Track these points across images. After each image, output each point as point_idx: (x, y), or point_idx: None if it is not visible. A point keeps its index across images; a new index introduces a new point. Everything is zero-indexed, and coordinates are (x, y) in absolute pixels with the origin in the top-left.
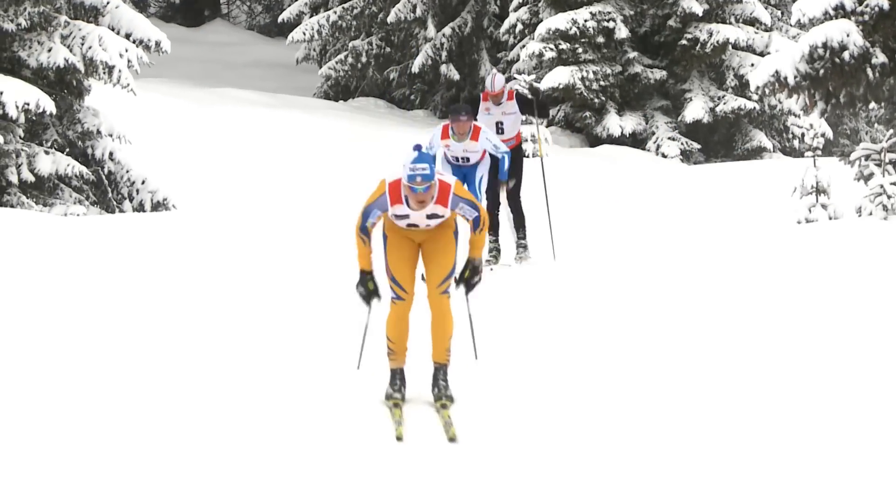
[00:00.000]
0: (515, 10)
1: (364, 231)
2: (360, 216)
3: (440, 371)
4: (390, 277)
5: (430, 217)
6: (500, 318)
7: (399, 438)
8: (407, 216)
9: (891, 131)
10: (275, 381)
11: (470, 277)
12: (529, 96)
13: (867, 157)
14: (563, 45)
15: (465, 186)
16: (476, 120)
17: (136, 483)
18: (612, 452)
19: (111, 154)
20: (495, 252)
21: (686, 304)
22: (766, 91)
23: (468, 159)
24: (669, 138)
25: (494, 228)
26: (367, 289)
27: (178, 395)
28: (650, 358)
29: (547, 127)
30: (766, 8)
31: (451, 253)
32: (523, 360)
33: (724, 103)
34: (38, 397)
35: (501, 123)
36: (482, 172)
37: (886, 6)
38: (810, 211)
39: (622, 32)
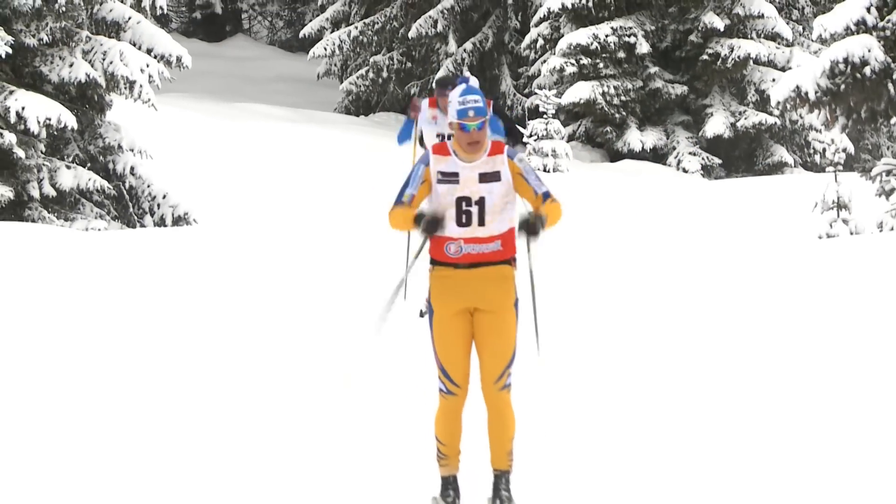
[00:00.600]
0: (537, 25)
1: (398, 203)
2: (398, 191)
3: (501, 480)
4: (439, 367)
5: (484, 179)
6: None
7: None
8: (455, 177)
9: None
10: (290, 396)
11: (534, 223)
12: (506, 113)
13: (888, 173)
14: (584, 61)
15: None
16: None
17: (152, 489)
18: (644, 471)
19: (132, 169)
20: None
21: (706, 318)
22: (788, 106)
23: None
24: (690, 153)
25: None
26: (428, 218)
27: (194, 406)
28: (669, 370)
29: (568, 142)
30: (787, 23)
31: (511, 335)
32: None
33: (745, 118)
34: (58, 407)
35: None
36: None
37: None
38: (831, 226)
39: (643, 48)
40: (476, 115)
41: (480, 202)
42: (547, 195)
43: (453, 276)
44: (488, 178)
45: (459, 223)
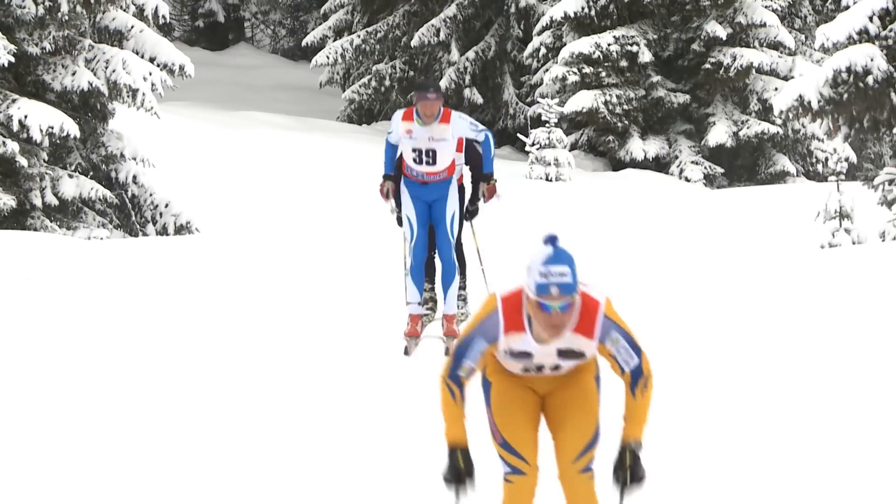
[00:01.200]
0: (539, 34)
1: (455, 379)
2: (451, 356)
3: None
4: (500, 443)
5: (562, 355)
6: None
7: None
8: (529, 355)
9: None
10: (291, 404)
11: (632, 467)
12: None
13: (891, 182)
14: (587, 69)
15: (434, 228)
16: (434, 97)
17: (156, 493)
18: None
19: (135, 177)
20: (431, 304)
21: (709, 328)
22: (790, 115)
23: (434, 155)
24: (692, 162)
25: (432, 274)
26: (458, 470)
27: (195, 412)
28: (672, 379)
29: (570, 151)
30: (789, 32)
31: (593, 409)
32: None
33: (748, 127)
34: (60, 414)
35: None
36: (453, 208)
37: None
38: (833, 235)
39: (645, 56)
40: (562, 294)
41: (556, 368)
42: (637, 375)
43: (518, 376)
44: (568, 356)
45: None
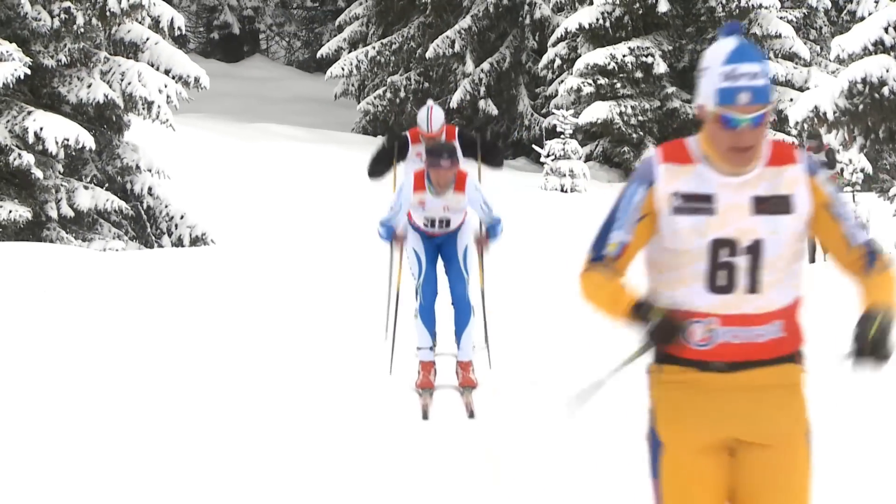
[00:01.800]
0: (554, 45)
1: (601, 262)
2: (595, 236)
3: None
4: None
5: (762, 209)
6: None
7: None
8: (709, 202)
9: None
10: (303, 416)
11: (877, 340)
12: (474, 135)
13: None
14: (602, 80)
15: (443, 265)
16: (448, 164)
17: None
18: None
19: (150, 189)
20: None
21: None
22: (806, 126)
23: (448, 223)
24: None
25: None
26: (661, 320)
27: (207, 425)
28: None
29: (585, 162)
30: (805, 43)
31: (805, 488)
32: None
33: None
34: (76, 423)
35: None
36: (466, 241)
37: None
38: None
39: (660, 67)
40: (753, 102)
41: (755, 249)
42: (872, 252)
43: (700, 385)
44: (771, 206)
45: (714, 287)
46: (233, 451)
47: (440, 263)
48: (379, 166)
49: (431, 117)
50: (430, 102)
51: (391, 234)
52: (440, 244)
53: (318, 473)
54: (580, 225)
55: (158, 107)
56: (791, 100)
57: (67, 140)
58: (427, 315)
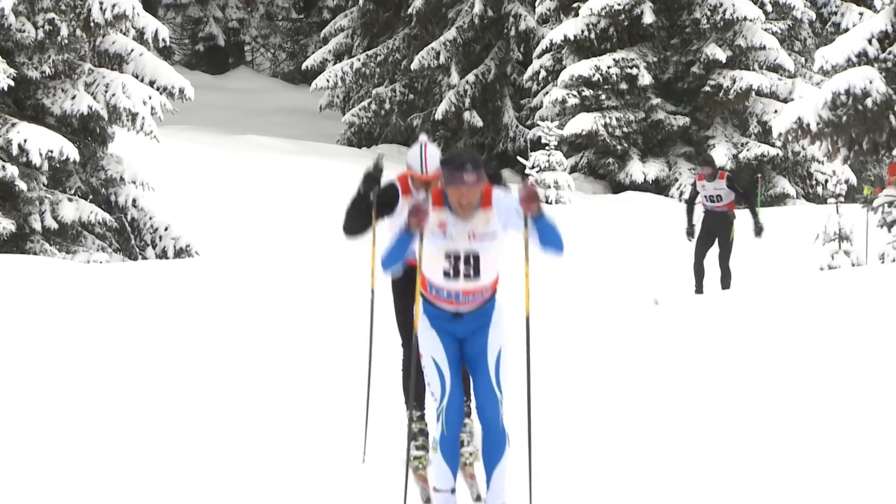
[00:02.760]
0: (539, 57)
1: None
2: None
3: None
4: None
5: None
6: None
7: None
8: None
9: None
10: (288, 428)
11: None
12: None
13: (890, 204)
14: (587, 92)
15: (467, 368)
16: (473, 179)
17: None
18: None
19: (134, 201)
20: (422, 440)
21: (706, 349)
22: (790, 138)
23: (476, 265)
24: (692, 185)
25: (421, 399)
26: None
27: (193, 436)
28: (669, 401)
29: (570, 173)
30: (789, 55)
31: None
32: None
33: (748, 150)
34: (58, 434)
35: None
36: (499, 340)
37: None
38: (833, 258)
39: (645, 79)
40: None
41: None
42: None
43: None
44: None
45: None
46: (216, 463)
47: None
48: (358, 221)
49: (426, 156)
50: (422, 138)
51: (404, 245)
52: (465, 339)
53: (302, 488)
54: (565, 237)
55: (143, 118)
56: (775, 111)
57: (51, 152)
58: (450, 448)
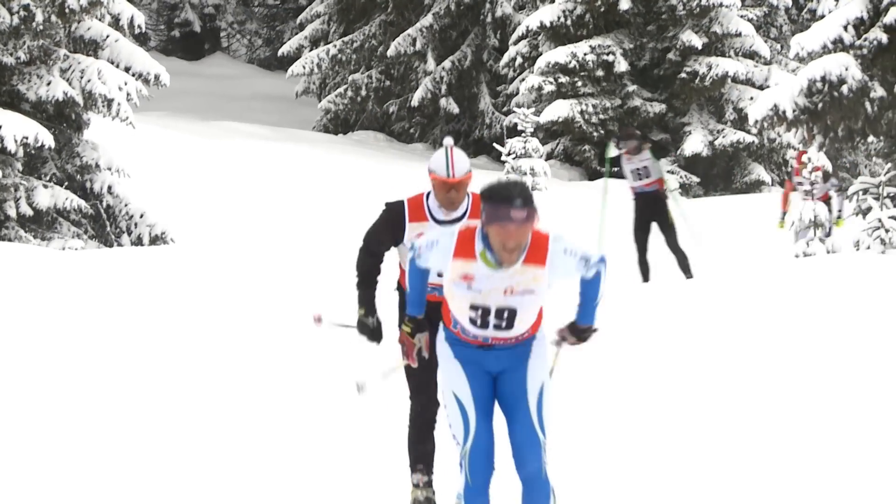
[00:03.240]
0: (515, 43)
1: None
2: None
3: None
4: None
5: None
6: None
7: None
8: None
9: (889, 165)
10: (269, 409)
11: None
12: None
13: (865, 191)
14: (563, 79)
15: (501, 409)
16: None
17: None
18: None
19: (110, 188)
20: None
21: (683, 338)
22: (765, 125)
23: (510, 320)
24: (668, 171)
25: (431, 457)
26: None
27: (172, 423)
28: (652, 388)
29: (546, 160)
30: (765, 41)
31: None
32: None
33: (724, 137)
34: (34, 425)
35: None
36: (541, 375)
37: (885, 40)
38: (808, 245)
39: (622, 66)
40: None
41: None
42: None
43: None
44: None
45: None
46: (197, 452)
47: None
48: (376, 259)
49: (452, 159)
50: (447, 141)
51: (418, 304)
52: (498, 374)
53: (283, 478)
54: (541, 224)
55: (118, 105)
56: (751, 98)
57: (26, 138)
58: (478, 500)
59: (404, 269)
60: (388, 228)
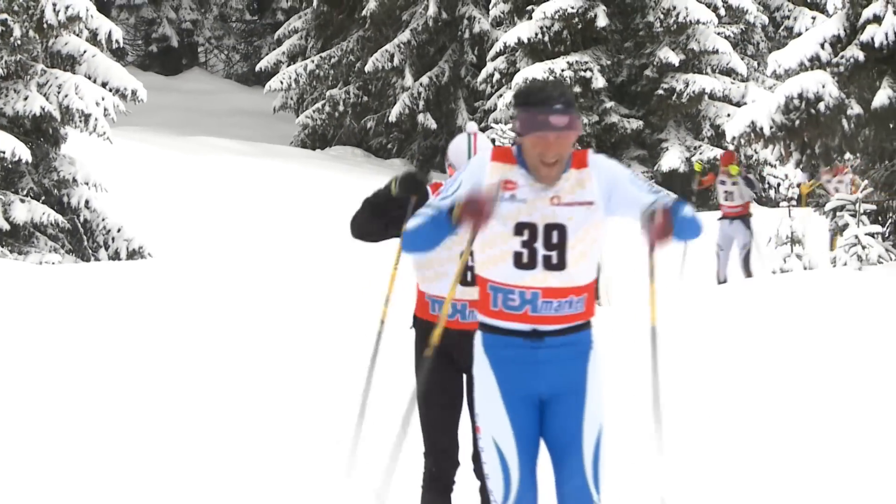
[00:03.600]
0: (493, 59)
1: None
2: None
3: None
4: None
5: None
6: None
7: None
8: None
9: (865, 182)
10: (249, 431)
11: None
12: None
13: (842, 208)
14: None
15: (548, 452)
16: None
17: None
18: None
19: (87, 202)
20: None
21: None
22: (742, 141)
23: (562, 239)
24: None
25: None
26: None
27: (149, 441)
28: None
29: None
30: (742, 59)
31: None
32: None
33: (701, 153)
34: (12, 439)
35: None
36: (598, 415)
37: (861, 58)
38: (785, 261)
39: (599, 82)
40: None
41: None
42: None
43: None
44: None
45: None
46: (175, 466)
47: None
48: (374, 223)
49: (475, 147)
50: (471, 127)
51: (440, 231)
52: (548, 399)
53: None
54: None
55: (96, 120)
56: (728, 115)
57: (3, 153)
58: None
59: (423, 292)
60: (417, 197)
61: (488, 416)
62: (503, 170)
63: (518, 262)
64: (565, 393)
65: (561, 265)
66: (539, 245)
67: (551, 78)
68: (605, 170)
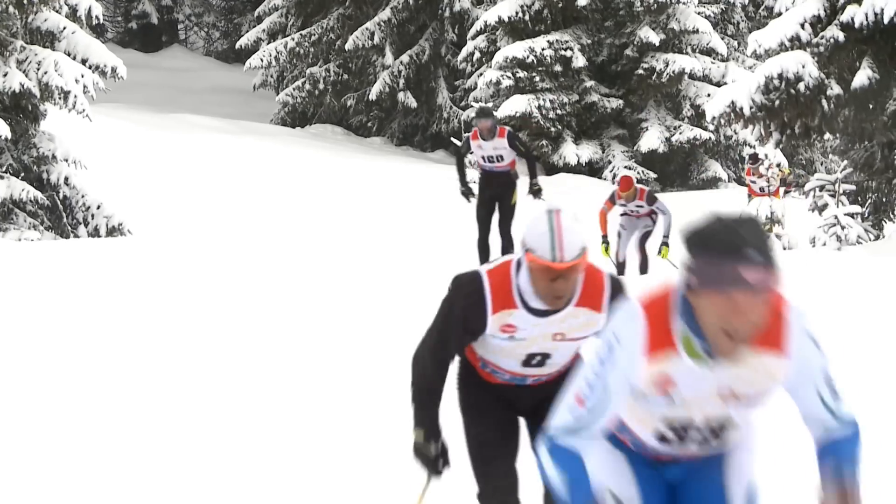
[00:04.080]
0: (473, 38)
1: None
2: None
3: None
4: None
5: None
6: None
7: None
8: None
9: (845, 162)
10: (233, 414)
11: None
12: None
13: (821, 188)
14: (521, 74)
15: None
16: None
17: None
18: None
19: (66, 179)
20: None
21: None
22: (722, 121)
23: (723, 433)
24: (625, 167)
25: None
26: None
27: (134, 424)
28: None
29: None
30: (722, 38)
31: None
32: None
33: (680, 133)
34: None
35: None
36: (747, 486)
37: (842, 38)
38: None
39: (579, 61)
40: None
41: None
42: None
43: None
44: None
45: None
46: (164, 447)
47: None
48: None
49: (561, 234)
50: (552, 204)
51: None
52: (680, 482)
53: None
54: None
55: (75, 97)
56: (708, 95)
57: None
58: None
59: (474, 351)
60: (462, 324)
61: (605, 471)
62: (661, 366)
63: (662, 439)
64: (699, 477)
65: (717, 442)
66: (692, 432)
67: (531, 57)
68: (804, 368)
